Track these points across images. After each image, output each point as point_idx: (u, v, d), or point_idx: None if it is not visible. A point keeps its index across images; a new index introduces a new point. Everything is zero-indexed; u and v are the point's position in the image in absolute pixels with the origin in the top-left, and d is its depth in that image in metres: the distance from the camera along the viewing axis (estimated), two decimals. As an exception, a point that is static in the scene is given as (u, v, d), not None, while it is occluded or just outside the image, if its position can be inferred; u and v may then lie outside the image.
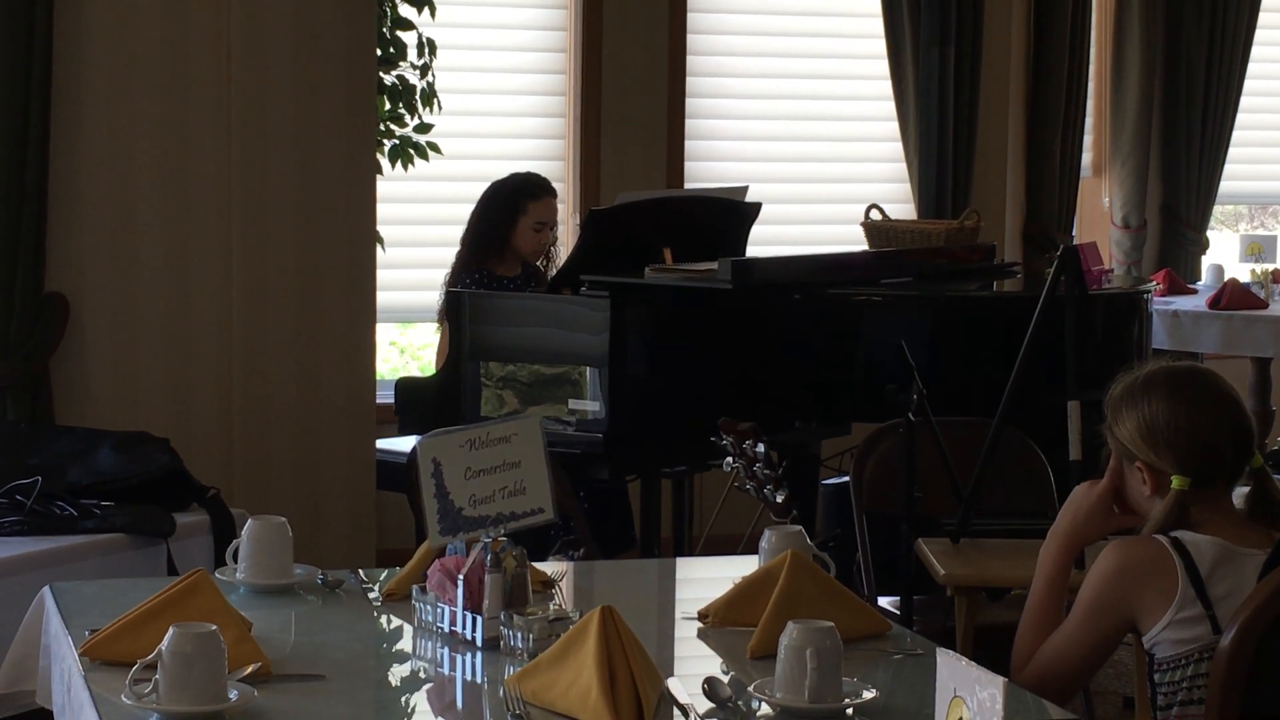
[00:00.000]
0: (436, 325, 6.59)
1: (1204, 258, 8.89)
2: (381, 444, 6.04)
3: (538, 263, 6.59)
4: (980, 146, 8.00)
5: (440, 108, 6.84)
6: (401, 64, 6.73)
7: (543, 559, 3.99)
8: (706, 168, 7.79)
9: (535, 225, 6.49)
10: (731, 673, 2.98)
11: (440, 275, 6.56)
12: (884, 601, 4.74)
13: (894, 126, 7.97)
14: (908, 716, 2.78)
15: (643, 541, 5.96)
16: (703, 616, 3.29)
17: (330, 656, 3.04)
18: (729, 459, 3.63)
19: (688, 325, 5.70)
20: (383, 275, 6.13)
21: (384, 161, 6.65)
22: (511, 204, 6.48)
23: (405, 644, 3.23)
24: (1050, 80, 8.24)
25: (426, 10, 6.79)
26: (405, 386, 6.45)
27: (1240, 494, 3.20)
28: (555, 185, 6.81)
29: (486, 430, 3.24)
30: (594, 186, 7.50)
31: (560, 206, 7.04)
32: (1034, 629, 3.21)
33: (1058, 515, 3.30)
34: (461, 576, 3.11)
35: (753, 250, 6.61)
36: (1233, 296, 7.75)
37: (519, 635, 3.02)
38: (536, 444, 3.29)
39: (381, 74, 6.51)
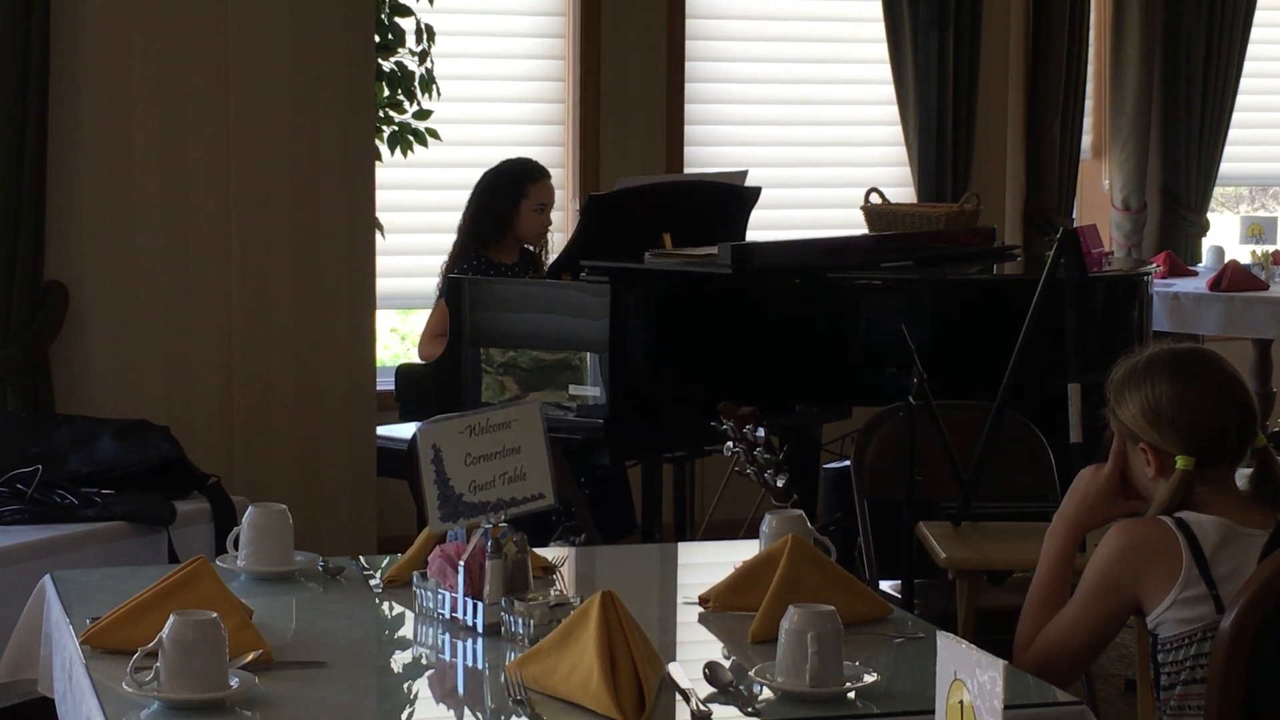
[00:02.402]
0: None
1: (1204, 240, 8.89)
2: (382, 430, 6.04)
3: (535, 248, 6.58)
4: (980, 130, 8.00)
5: (439, 94, 6.83)
6: (400, 50, 6.72)
7: (544, 545, 3.99)
8: (706, 152, 7.78)
9: (537, 207, 6.49)
10: (733, 657, 2.98)
11: (440, 262, 6.56)
12: (885, 585, 4.74)
13: (894, 110, 7.96)
14: (909, 700, 2.78)
15: (644, 527, 5.96)
16: (704, 601, 3.29)
17: (331, 643, 3.04)
18: (729, 444, 3.63)
19: (688, 310, 5.70)
20: (382, 262, 6.12)
21: (383, 148, 6.64)
22: (513, 188, 6.48)
23: (406, 630, 3.23)
24: (1049, 63, 8.23)
25: (424, -4, 6.79)
26: (405, 373, 6.45)
27: (1243, 475, 3.20)
28: (554, 171, 6.82)
29: (486, 416, 3.24)
30: (593, 172, 7.49)
31: (559, 192, 7.03)
32: (1038, 612, 3.22)
33: (1063, 499, 3.31)
34: (462, 563, 3.11)
35: (753, 235, 6.60)
36: (1233, 278, 7.74)
37: (520, 621, 3.02)
38: (536, 429, 3.28)
39: (380, 60, 6.50)
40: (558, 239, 6.90)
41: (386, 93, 6.68)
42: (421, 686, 2.97)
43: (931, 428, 4.58)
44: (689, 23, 7.72)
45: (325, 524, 5.67)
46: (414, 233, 7.20)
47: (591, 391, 5.50)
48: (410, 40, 6.73)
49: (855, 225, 6.93)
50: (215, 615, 2.72)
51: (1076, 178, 8.43)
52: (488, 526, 3.12)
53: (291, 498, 4.17)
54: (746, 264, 5.68)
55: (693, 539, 6.16)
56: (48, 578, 3.42)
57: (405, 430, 6.03)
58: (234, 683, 2.71)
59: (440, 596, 3.16)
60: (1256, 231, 8.22)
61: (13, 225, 5.42)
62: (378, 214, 6.08)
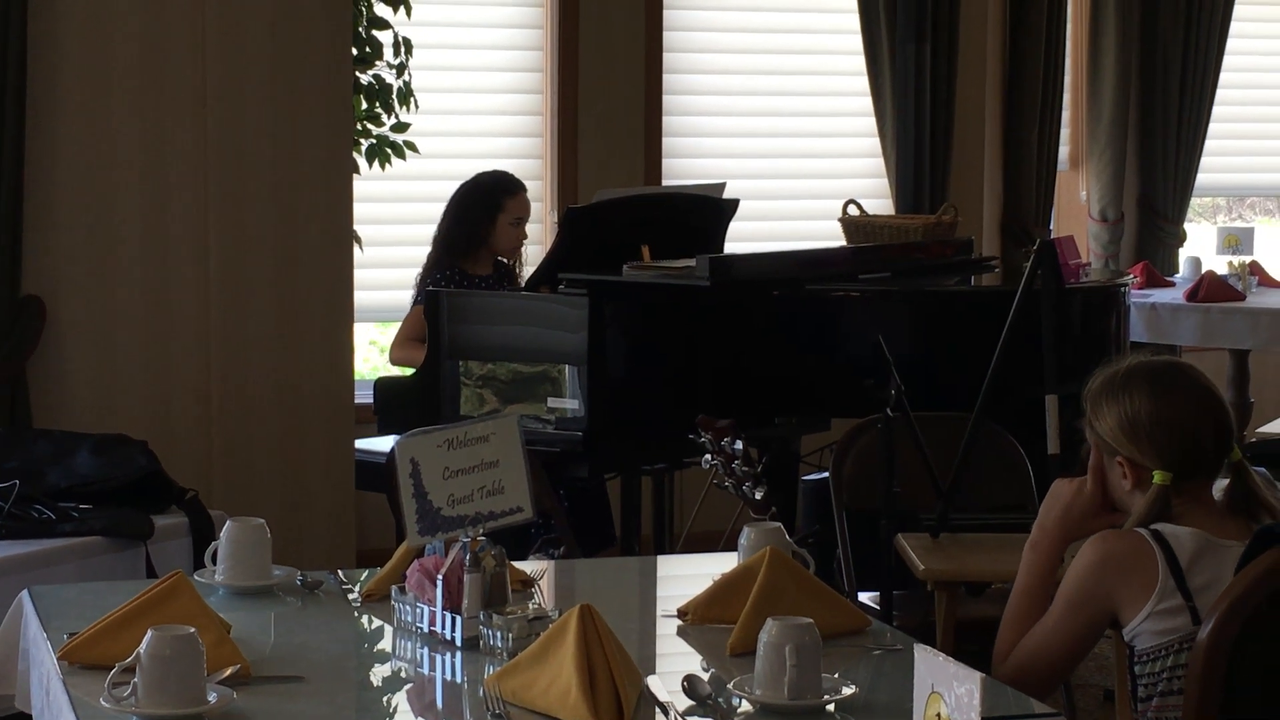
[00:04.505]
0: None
1: (1181, 250, 8.91)
2: (361, 444, 6.03)
3: (509, 261, 6.59)
4: (957, 141, 8.01)
5: (417, 107, 6.83)
6: (378, 63, 6.72)
7: (523, 558, 4.00)
8: (684, 164, 7.79)
9: (513, 221, 6.51)
10: (711, 670, 2.98)
11: (416, 273, 6.57)
12: (864, 597, 4.74)
13: (871, 122, 7.98)
14: (887, 712, 2.79)
15: (623, 539, 5.96)
16: (682, 614, 3.29)
17: (310, 658, 3.04)
18: (707, 456, 3.63)
19: (666, 323, 5.71)
20: (361, 275, 6.12)
21: (361, 161, 6.64)
22: (490, 202, 6.49)
23: (385, 644, 3.23)
24: (1026, 74, 8.25)
25: (402, 9, 6.78)
26: (384, 386, 6.45)
27: (1219, 487, 3.21)
28: (532, 183, 6.83)
29: (464, 430, 3.24)
30: (571, 184, 7.50)
31: (537, 205, 7.04)
32: (1017, 624, 3.22)
33: (1041, 511, 3.30)
34: (440, 576, 3.11)
35: (731, 247, 6.61)
36: (1210, 289, 7.76)
37: (498, 635, 3.02)
38: (514, 443, 3.29)
39: (358, 73, 6.50)
40: (535, 251, 6.91)
41: (364, 105, 6.68)
42: (400, 700, 2.97)
43: (910, 439, 4.58)
44: (667, 35, 7.73)
45: (304, 538, 5.66)
46: (392, 245, 7.19)
47: (570, 404, 5.51)
48: (388, 53, 6.73)
49: (833, 237, 6.94)
50: (193, 630, 2.72)
51: (1054, 189, 8.45)
52: (466, 540, 3.12)
53: (270, 512, 4.17)
54: (725, 276, 5.68)
55: (672, 551, 6.16)
56: (25, 593, 3.41)
57: (384, 443, 6.03)
58: (212, 698, 2.70)
59: (419, 610, 3.16)
60: (1233, 242, 8.24)
61: (-10, 239, 5.41)
62: (356, 226, 6.08)
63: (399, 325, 6.66)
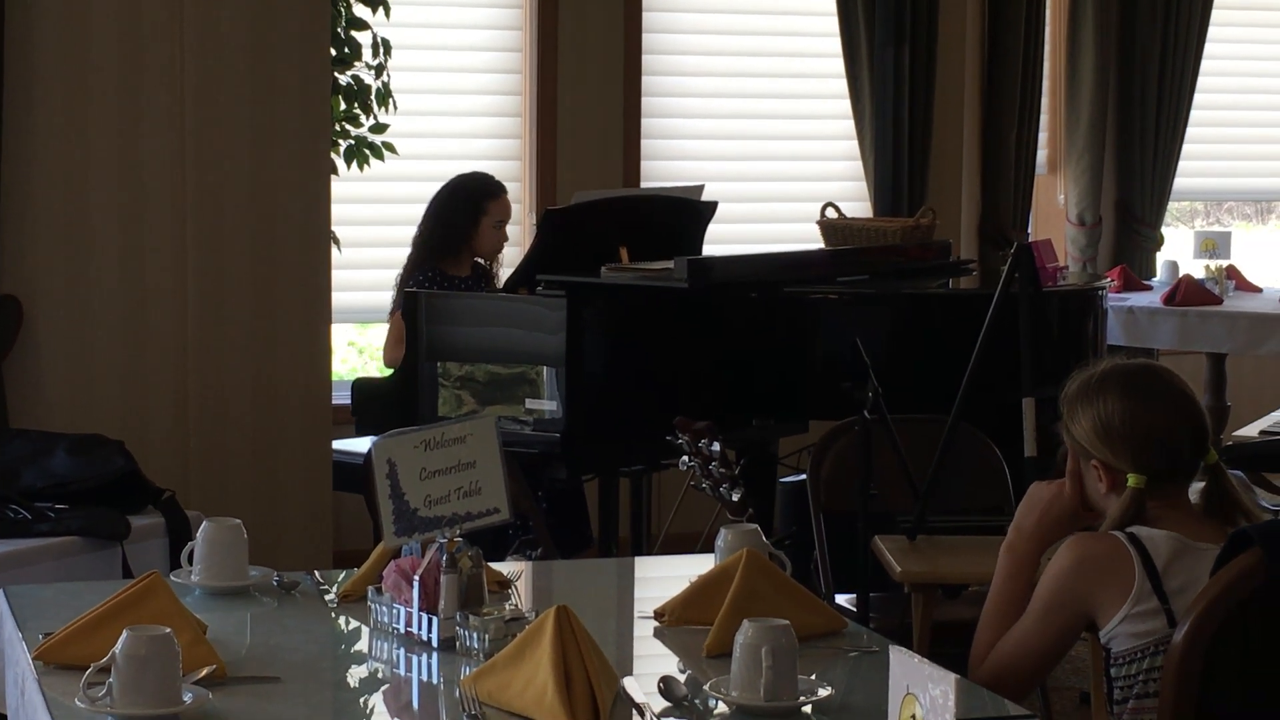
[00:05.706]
0: (389, 318, 6.59)
1: (1159, 254, 8.93)
2: (338, 445, 6.02)
3: (489, 263, 6.59)
4: (935, 144, 8.02)
5: (395, 108, 6.83)
6: (356, 64, 6.71)
7: (500, 559, 4.00)
8: (663, 166, 7.79)
9: (495, 224, 6.52)
10: (688, 671, 2.98)
11: (396, 274, 6.56)
12: (841, 599, 4.75)
13: (850, 125, 7.99)
14: (864, 714, 2.79)
15: (600, 541, 5.96)
16: (659, 615, 3.29)
17: (286, 658, 3.04)
18: (685, 458, 3.63)
19: (644, 324, 5.71)
20: (339, 276, 6.12)
21: (339, 162, 6.63)
22: (473, 204, 6.49)
23: (361, 645, 3.22)
24: (1005, 78, 8.26)
25: (381, 10, 6.77)
26: (362, 387, 6.44)
27: (1196, 489, 3.22)
28: (511, 185, 6.84)
29: (441, 431, 3.23)
30: (550, 186, 7.50)
31: (516, 206, 7.04)
32: (994, 626, 3.22)
33: (1019, 513, 3.31)
34: (417, 577, 3.11)
35: (709, 249, 6.61)
36: (1187, 293, 7.79)
37: (475, 636, 3.02)
38: (491, 444, 3.28)
39: (336, 74, 6.49)
40: (513, 253, 6.90)
41: (343, 106, 6.67)
42: (376, 701, 2.97)
43: (887, 442, 4.59)
44: (646, 37, 7.73)
45: (280, 538, 5.65)
46: (370, 246, 7.19)
47: (548, 405, 5.50)
48: (367, 54, 6.73)
49: (812, 240, 6.95)
50: (169, 630, 2.71)
51: (1032, 192, 8.46)
52: (443, 541, 3.12)
53: (247, 512, 4.16)
54: (703, 278, 5.68)
55: (649, 553, 6.15)
56: (0, 593, 3.41)
57: (361, 444, 6.03)
58: (187, 698, 2.70)
59: (395, 611, 3.16)
60: (1210, 246, 8.26)
61: (-34, 239, 5.40)
62: (334, 228, 6.08)
63: (386, 327, 6.66)
